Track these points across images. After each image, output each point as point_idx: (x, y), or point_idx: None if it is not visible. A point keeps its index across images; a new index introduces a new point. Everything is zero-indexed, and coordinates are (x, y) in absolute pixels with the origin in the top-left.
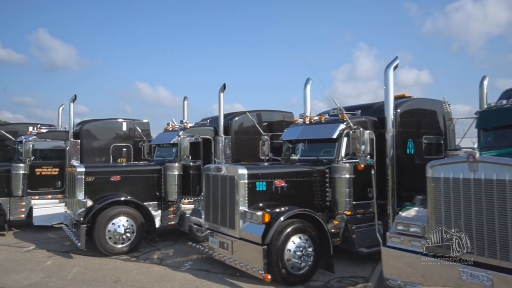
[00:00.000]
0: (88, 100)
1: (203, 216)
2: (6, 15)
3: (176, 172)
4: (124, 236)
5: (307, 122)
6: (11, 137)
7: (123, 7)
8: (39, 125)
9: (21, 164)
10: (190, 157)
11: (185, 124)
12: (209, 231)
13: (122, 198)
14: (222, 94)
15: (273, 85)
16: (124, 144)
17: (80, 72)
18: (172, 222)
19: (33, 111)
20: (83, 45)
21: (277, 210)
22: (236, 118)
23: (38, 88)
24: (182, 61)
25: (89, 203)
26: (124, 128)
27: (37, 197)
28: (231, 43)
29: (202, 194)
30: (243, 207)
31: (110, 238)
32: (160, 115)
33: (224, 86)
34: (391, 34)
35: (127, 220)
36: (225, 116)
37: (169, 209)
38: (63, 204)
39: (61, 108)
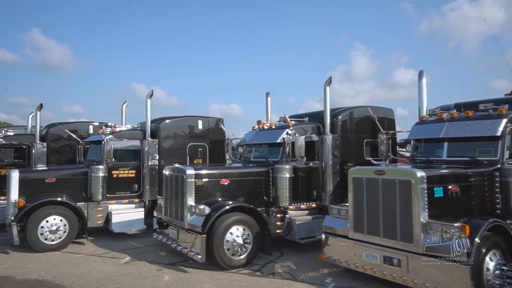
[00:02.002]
0: (84, 101)
1: (349, 225)
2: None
3: (288, 175)
4: (242, 247)
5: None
6: (76, 137)
7: (118, 8)
8: (113, 124)
9: (101, 166)
10: (305, 158)
11: (287, 120)
12: (365, 244)
13: (238, 204)
14: (328, 88)
15: (271, 85)
16: (200, 143)
17: (75, 72)
18: (279, 230)
19: (29, 112)
20: (78, 46)
21: None
22: (344, 113)
23: (33, 88)
24: (178, 61)
25: (207, 210)
26: (200, 126)
27: (114, 201)
28: (227, 44)
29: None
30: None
31: (228, 249)
32: (155, 116)
33: (330, 80)
34: (387, 34)
35: (244, 229)
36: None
37: (277, 215)
38: (141, 209)
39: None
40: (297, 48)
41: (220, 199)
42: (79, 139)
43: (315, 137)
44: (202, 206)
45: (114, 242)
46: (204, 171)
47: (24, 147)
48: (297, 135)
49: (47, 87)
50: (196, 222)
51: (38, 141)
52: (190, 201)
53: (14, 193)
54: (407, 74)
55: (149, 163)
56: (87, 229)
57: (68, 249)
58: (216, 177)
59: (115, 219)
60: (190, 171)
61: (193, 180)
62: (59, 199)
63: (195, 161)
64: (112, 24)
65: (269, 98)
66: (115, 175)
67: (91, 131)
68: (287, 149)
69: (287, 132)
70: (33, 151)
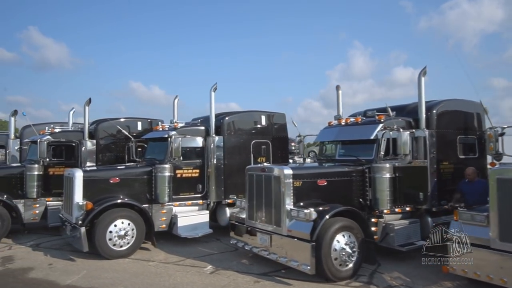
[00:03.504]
0: (82, 99)
1: (491, 233)
2: None
3: (388, 175)
4: (350, 256)
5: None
6: (128, 134)
7: (116, 6)
8: (175, 120)
9: (167, 165)
10: (409, 156)
11: (379, 115)
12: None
13: (345, 208)
14: (423, 78)
15: (269, 84)
16: (264, 140)
17: (73, 71)
18: (375, 237)
19: (27, 110)
20: (76, 44)
21: None
22: (439, 106)
23: (31, 87)
24: (177, 60)
25: (314, 215)
26: (263, 121)
27: (178, 203)
28: (226, 43)
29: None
30: None
31: (336, 259)
32: (154, 115)
33: (425, 69)
34: (386, 32)
35: (349, 236)
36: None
37: (372, 220)
38: (205, 211)
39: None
40: (296, 47)
41: (317, 202)
42: (131, 136)
43: (419, 133)
44: (308, 210)
45: (180, 247)
46: (301, 171)
47: (74, 144)
48: (401, 130)
49: (45, 86)
50: (300, 229)
51: (87, 138)
52: (289, 204)
53: (78, 195)
54: (406, 73)
55: (214, 162)
56: (154, 234)
57: (137, 255)
58: (313, 177)
59: (180, 222)
60: (288, 171)
61: (291, 180)
62: (126, 200)
63: (258, 159)
64: (110, 23)
65: (340, 92)
66: (179, 175)
67: (139, 127)
68: (382, 146)
69: (384, 127)
70: (82, 148)
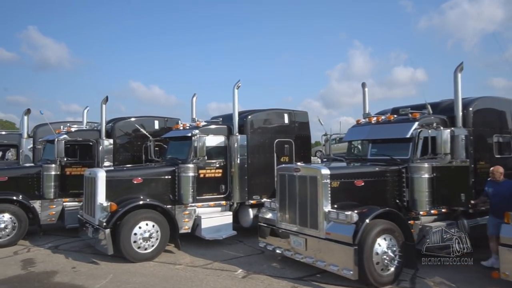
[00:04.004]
0: (82, 99)
1: None
2: None
3: (427, 175)
4: (393, 260)
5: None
6: (147, 133)
7: (116, 6)
8: (197, 118)
9: (190, 165)
10: (449, 156)
11: (413, 113)
12: None
13: (382, 210)
14: (459, 74)
15: (269, 84)
16: (287, 139)
17: (72, 70)
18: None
19: (26, 110)
20: (75, 44)
21: None
22: (476, 103)
23: (30, 87)
24: (176, 60)
25: (355, 217)
26: (286, 120)
27: (201, 204)
28: (226, 42)
29: None
30: None
31: (377, 263)
32: (154, 114)
33: (462, 65)
34: (386, 32)
35: (390, 239)
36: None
37: (409, 222)
38: (228, 212)
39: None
40: (296, 47)
41: (353, 204)
42: (149, 135)
43: (459, 131)
44: (349, 212)
45: (203, 250)
46: (339, 171)
47: (91, 143)
48: (441, 128)
49: (45, 85)
50: (341, 231)
51: (104, 137)
52: (327, 205)
53: (101, 195)
54: (406, 72)
55: (238, 161)
56: (179, 236)
57: (161, 258)
58: (351, 177)
59: (204, 224)
60: (326, 171)
61: (328, 181)
62: (151, 201)
63: (281, 159)
64: (110, 22)
65: (366, 89)
66: (201, 175)
67: (156, 126)
68: (419, 144)
69: (420, 125)
70: (100, 148)
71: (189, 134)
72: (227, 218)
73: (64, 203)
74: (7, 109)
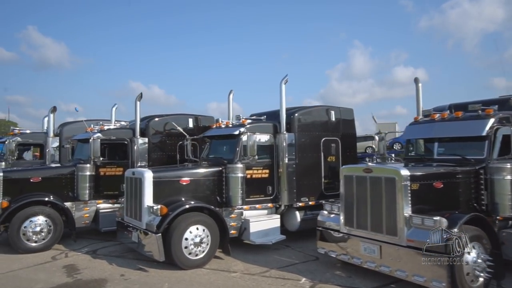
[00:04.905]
0: (82, 99)
1: None
2: None
3: (510, 177)
4: (484, 271)
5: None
6: (184, 132)
7: (115, 6)
8: (241, 116)
9: (239, 165)
10: None
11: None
12: None
13: (472, 215)
14: None
15: (269, 84)
16: (333, 138)
17: (72, 70)
18: None
19: (26, 110)
20: (75, 43)
21: None
22: None
23: (30, 87)
24: (176, 60)
25: (444, 223)
26: (332, 117)
27: (248, 207)
28: (225, 42)
29: None
30: None
31: (468, 274)
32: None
33: None
34: (386, 32)
35: (479, 247)
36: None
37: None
38: (276, 216)
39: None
40: (296, 47)
41: (430, 207)
42: (186, 134)
43: None
44: (437, 218)
45: (252, 255)
46: (418, 172)
47: (126, 142)
48: None
49: (44, 85)
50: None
51: (138, 136)
52: (407, 210)
53: (148, 197)
54: (406, 72)
55: (286, 161)
56: (228, 240)
57: (212, 265)
58: (431, 179)
59: (253, 227)
60: (405, 172)
61: (408, 183)
62: (202, 204)
63: (328, 159)
64: (110, 22)
65: (419, 85)
66: (248, 176)
67: (190, 124)
68: (497, 143)
69: (497, 122)
70: (135, 147)
71: (237, 132)
72: (275, 221)
73: (98, 205)
74: (6, 109)
